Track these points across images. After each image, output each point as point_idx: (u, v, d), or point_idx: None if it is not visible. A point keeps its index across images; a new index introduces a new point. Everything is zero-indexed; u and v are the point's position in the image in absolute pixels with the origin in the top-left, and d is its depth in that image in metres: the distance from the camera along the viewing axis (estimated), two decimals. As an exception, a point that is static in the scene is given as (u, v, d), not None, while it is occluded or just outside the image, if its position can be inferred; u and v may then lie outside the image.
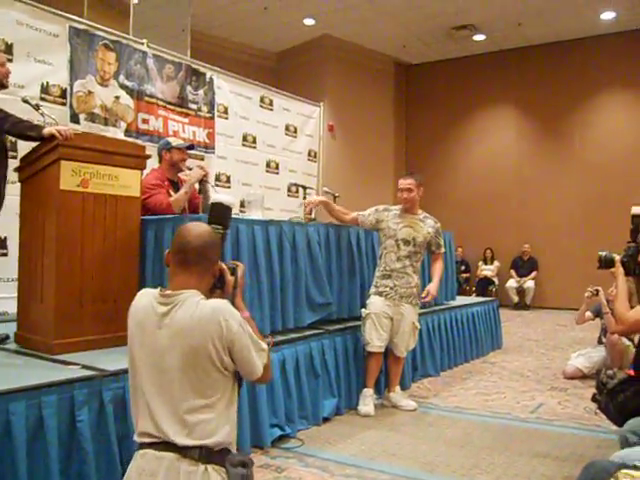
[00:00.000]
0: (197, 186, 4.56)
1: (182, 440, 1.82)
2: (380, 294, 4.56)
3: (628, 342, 5.26)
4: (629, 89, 11.57)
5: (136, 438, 1.92)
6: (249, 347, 1.93)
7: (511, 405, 4.81)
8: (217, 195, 2.40)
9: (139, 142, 5.75)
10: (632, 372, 3.04)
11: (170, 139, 4.79)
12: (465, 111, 13.13)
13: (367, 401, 4.51)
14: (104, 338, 3.54)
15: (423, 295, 4.62)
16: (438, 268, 4.77)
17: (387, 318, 4.52)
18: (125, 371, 2.93)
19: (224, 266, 2.09)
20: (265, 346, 2.01)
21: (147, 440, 1.87)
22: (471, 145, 13.14)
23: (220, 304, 1.92)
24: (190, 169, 4.63)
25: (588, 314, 5.90)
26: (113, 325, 3.59)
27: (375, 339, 4.51)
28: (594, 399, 3.19)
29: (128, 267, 3.70)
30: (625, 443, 2.44)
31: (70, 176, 3.39)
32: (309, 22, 11.05)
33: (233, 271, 2.11)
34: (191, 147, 4.83)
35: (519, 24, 11.20)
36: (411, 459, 3.56)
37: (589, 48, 11.71)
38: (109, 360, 3.14)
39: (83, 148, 3.45)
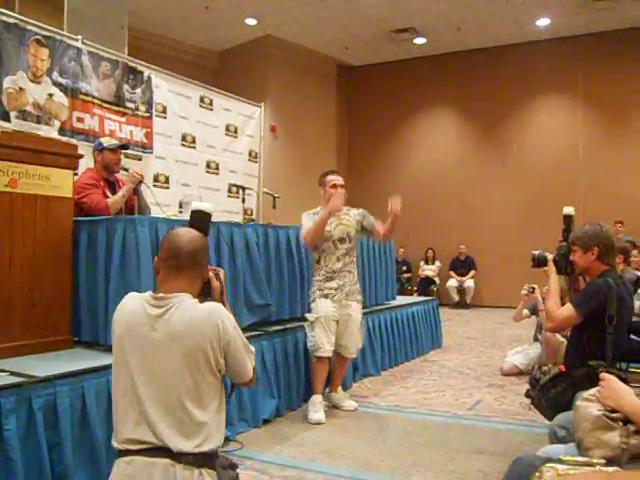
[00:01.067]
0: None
1: (178, 445, 1.80)
2: (326, 297, 4.46)
3: (562, 339, 5.39)
4: (564, 94, 11.95)
5: (118, 445, 1.87)
6: (242, 349, 1.97)
7: (450, 402, 4.88)
8: (197, 203, 2.43)
9: (74, 141, 5.60)
10: (563, 367, 3.12)
11: (103, 139, 4.67)
12: (407, 113, 13.30)
13: (317, 408, 4.39)
14: (35, 343, 3.43)
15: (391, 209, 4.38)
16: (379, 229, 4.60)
17: (334, 320, 4.45)
18: (56, 377, 2.87)
19: (211, 273, 2.14)
20: (253, 349, 2.06)
21: (134, 447, 1.83)
22: (412, 147, 13.32)
23: (216, 306, 1.96)
24: (126, 169, 4.53)
25: (525, 312, 6.03)
26: (45, 330, 3.50)
27: (326, 344, 4.41)
28: (527, 394, 3.27)
29: (60, 270, 3.59)
30: (554, 437, 2.50)
31: (-3, 176, 3.26)
32: (251, 22, 10.99)
33: (217, 276, 2.17)
34: (124, 147, 4.74)
35: (459, 29, 11.42)
36: (350, 459, 3.57)
37: (526, 53, 12.04)
38: (40, 366, 3.05)
39: (11, 147, 3.33)
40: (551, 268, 3.37)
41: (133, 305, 1.96)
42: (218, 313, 1.92)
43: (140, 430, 1.83)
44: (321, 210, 4.52)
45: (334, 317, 4.44)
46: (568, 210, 3.54)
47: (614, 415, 1.85)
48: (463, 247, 12.38)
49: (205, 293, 2.09)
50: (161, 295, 1.93)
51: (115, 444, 1.89)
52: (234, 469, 2.01)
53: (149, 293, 1.97)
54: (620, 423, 1.84)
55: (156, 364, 1.86)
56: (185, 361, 1.84)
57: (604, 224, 3.24)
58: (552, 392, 3.07)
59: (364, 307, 5.03)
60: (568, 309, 3.07)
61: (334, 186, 4.53)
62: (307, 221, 4.52)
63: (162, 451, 1.80)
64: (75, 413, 2.89)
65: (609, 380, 1.89)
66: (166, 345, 1.86)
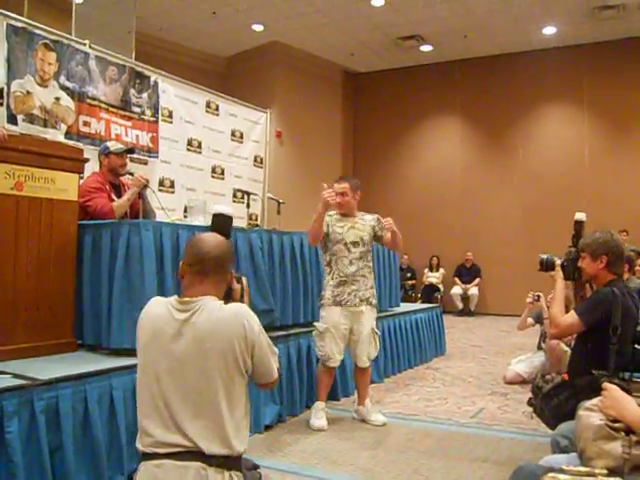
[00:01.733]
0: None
1: (210, 448, 1.83)
2: (339, 303, 4.36)
3: (566, 348, 5.38)
4: (569, 102, 11.95)
5: (144, 448, 1.89)
6: (267, 350, 2.00)
7: (452, 410, 4.87)
8: (217, 206, 2.49)
9: (80, 145, 5.62)
10: (566, 376, 3.11)
11: (109, 144, 4.66)
12: (412, 120, 13.31)
13: (320, 415, 4.38)
14: (39, 346, 3.45)
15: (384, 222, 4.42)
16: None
17: (345, 329, 4.38)
18: (59, 380, 2.88)
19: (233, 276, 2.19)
20: (277, 350, 2.10)
21: (163, 450, 1.84)
22: (418, 154, 13.33)
23: (241, 307, 1.99)
24: (132, 174, 4.55)
25: (529, 320, 6.01)
26: (48, 333, 3.51)
27: (336, 354, 4.36)
28: (530, 403, 3.25)
29: (64, 273, 3.61)
30: (556, 447, 2.49)
31: (3, 178, 3.29)
32: (258, 28, 11.03)
33: (238, 280, 2.23)
34: (130, 151, 4.76)
35: (465, 36, 11.44)
36: (352, 466, 3.56)
37: (532, 61, 12.05)
38: (43, 369, 3.06)
39: (17, 150, 3.36)
40: (558, 273, 3.35)
41: (159, 310, 1.98)
42: (244, 313, 1.95)
43: (170, 433, 1.85)
44: (334, 212, 4.51)
45: (345, 327, 4.37)
46: (579, 216, 3.51)
47: (616, 425, 1.84)
48: (470, 254, 12.36)
49: (227, 295, 2.13)
50: (187, 299, 1.96)
51: (140, 447, 1.90)
52: (257, 469, 2.08)
53: (174, 297, 2.00)
54: (622, 433, 1.83)
55: (185, 368, 1.88)
56: (214, 362, 1.87)
57: (614, 232, 3.22)
58: (554, 401, 3.06)
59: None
60: (572, 317, 3.06)
61: (339, 194, 4.46)
62: None
63: (193, 454, 1.82)
64: (77, 416, 2.89)
65: (611, 390, 1.88)
66: (194, 348, 1.88)
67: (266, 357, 1.99)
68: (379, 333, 4.65)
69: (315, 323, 4.49)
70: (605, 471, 1.72)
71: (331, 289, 4.40)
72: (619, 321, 2.93)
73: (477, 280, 12.24)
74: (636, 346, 3.98)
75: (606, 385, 1.91)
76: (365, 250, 4.48)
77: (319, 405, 4.44)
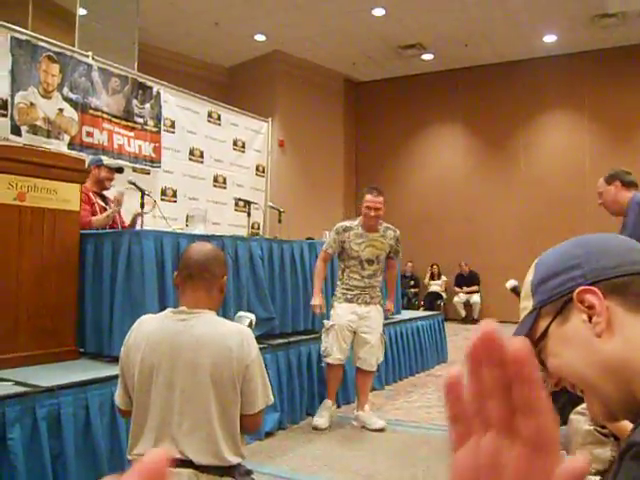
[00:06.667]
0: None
1: (201, 461, 1.84)
2: (349, 301, 4.46)
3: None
4: (570, 110, 11.98)
5: (137, 457, 1.89)
6: (258, 380, 1.96)
7: (452, 417, 4.88)
8: (242, 313, 2.67)
9: (83, 155, 5.69)
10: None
11: (102, 157, 4.93)
12: (414, 129, 13.36)
13: (322, 413, 4.48)
14: (41, 354, 3.48)
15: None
16: (392, 278, 4.75)
17: (350, 331, 4.44)
18: (61, 387, 2.92)
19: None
20: (271, 396, 2.05)
21: None
22: (420, 162, 13.37)
23: (247, 329, 2.01)
24: (133, 183, 4.66)
25: None
26: (50, 341, 3.55)
27: (336, 351, 4.42)
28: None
29: (66, 282, 3.65)
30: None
31: (6, 189, 3.34)
32: (260, 38, 11.12)
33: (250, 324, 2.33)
34: (120, 170, 4.92)
35: (466, 45, 11.49)
36: (352, 472, 3.59)
37: (532, 69, 12.09)
38: (45, 376, 3.10)
39: (20, 161, 3.41)
40: None
41: (153, 324, 1.98)
42: (247, 335, 1.96)
43: (163, 445, 1.85)
44: (357, 225, 4.50)
45: (350, 327, 4.42)
46: (511, 283, 3.60)
47: (605, 430, 1.87)
48: (464, 264, 12.36)
49: None
50: (182, 309, 1.97)
51: (130, 458, 1.92)
52: (250, 475, 2.08)
53: (169, 310, 2.02)
54: (611, 438, 1.85)
55: (181, 381, 1.88)
56: (211, 373, 1.87)
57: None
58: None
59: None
60: None
61: (368, 208, 4.42)
62: (329, 240, 4.58)
63: (186, 463, 1.84)
64: (78, 423, 2.93)
65: None
66: (192, 360, 1.88)
67: (254, 387, 1.94)
68: (386, 339, 4.69)
69: (324, 320, 4.58)
70: (598, 477, 1.74)
71: (341, 290, 4.53)
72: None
73: (475, 287, 12.25)
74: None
75: None
76: (378, 267, 4.53)
77: (326, 403, 4.54)
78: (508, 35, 11.01)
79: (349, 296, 4.47)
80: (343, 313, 4.44)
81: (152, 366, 1.90)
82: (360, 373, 4.58)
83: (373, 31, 10.77)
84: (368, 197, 4.42)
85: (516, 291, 3.56)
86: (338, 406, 5.01)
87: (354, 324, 4.43)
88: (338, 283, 4.60)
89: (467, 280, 12.38)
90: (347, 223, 4.57)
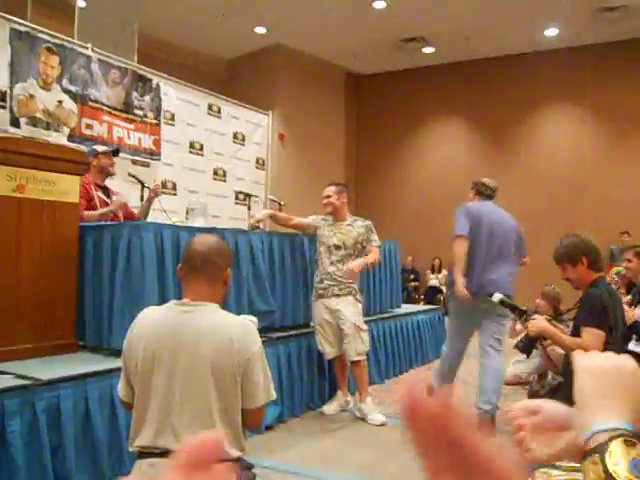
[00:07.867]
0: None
1: None
2: (321, 296, 4.62)
3: (562, 351, 5.37)
4: (572, 104, 11.95)
5: (140, 449, 1.90)
6: (259, 375, 1.93)
7: (452, 411, 4.87)
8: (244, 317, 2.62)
9: (82, 147, 5.66)
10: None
11: (95, 146, 4.87)
12: (415, 122, 13.32)
13: (332, 402, 4.76)
14: (40, 347, 3.47)
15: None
16: (370, 253, 4.73)
17: (330, 325, 4.60)
18: (60, 380, 2.91)
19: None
20: (274, 392, 2.02)
21: (158, 450, 1.84)
22: (421, 155, 13.34)
23: (251, 325, 1.98)
24: (134, 176, 4.62)
25: (519, 327, 6.00)
26: (50, 333, 3.53)
27: (327, 347, 4.65)
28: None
29: (66, 275, 3.63)
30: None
31: (5, 181, 3.32)
32: (261, 31, 11.07)
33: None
34: (116, 152, 4.88)
35: (467, 38, 11.45)
36: (351, 465, 3.59)
37: (534, 63, 12.05)
38: (44, 369, 3.09)
39: (19, 152, 3.39)
40: (537, 321, 3.29)
41: (155, 316, 1.97)
42: (250, 330, 1.94)
43: (163, 438, 1.85)
44: (331, 218, 4.74)
45: (327, 322, 4.60)
46: (497, 297, 3.60)
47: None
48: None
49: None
50: (186, 301, 1.95)
51: (136, 448, 1.91)
52: (251, 469, 2.07)
53: (172, 302, 2.00)
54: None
55: (183, 373, 1.86)
56: (209, 367, 1.85)
57: (580, 233, 3.22)
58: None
59: (368, 314, 5.04)
60: (591, 333, 2.96)
61: (325, 197, 4.72)
62: (312, 217, 4.92)
63: None
64: (78, 416, 2.92)
65: None
66: (193, 348, 1.87)
67: (255, 380, 1.91)
68: (365, 328, 4.69)
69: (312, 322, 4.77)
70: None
71: (315, 285, 4.71)
72: (613, 322, 2.94)
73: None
74: (629, 348, 3.99)
75: None
76: (346, 254, 4.61)
77: (337, 394, 4.80)
78: (509, 28, 10.97)
79: (320, 291, 4.62)
80: (318, 311, 4.66)
81: (154, 357, 1.89)
82: (351, 363, 4.70)
83: (374, 24, 10.72)
84: (326, 189, 4.78)
85: (504, 303, 3.57)
86: (352, 394, 4.96)
87: (329, 317, 4.60)
88: (315, 279, 4.73)
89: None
90: (326, 216, 4.82)
